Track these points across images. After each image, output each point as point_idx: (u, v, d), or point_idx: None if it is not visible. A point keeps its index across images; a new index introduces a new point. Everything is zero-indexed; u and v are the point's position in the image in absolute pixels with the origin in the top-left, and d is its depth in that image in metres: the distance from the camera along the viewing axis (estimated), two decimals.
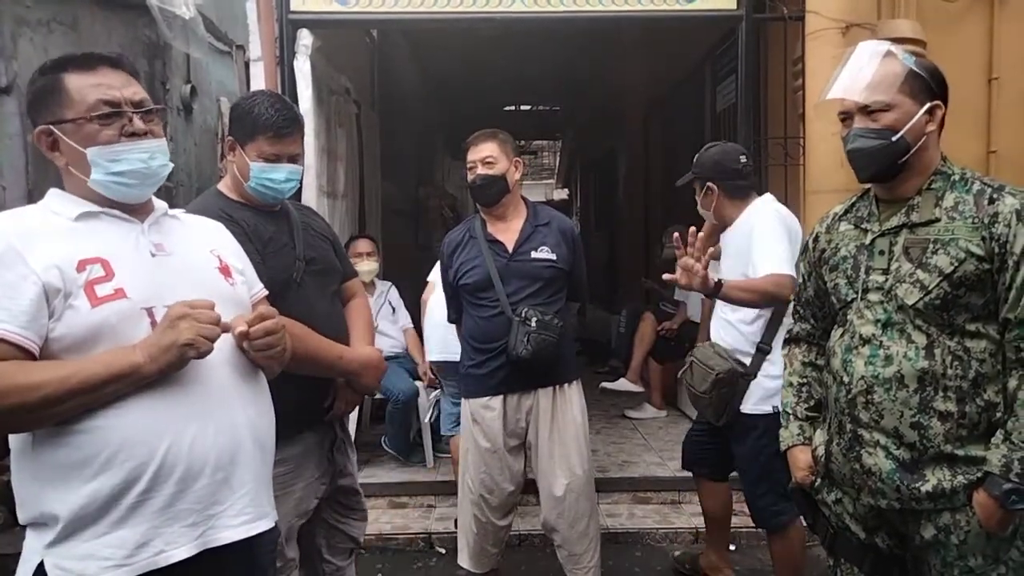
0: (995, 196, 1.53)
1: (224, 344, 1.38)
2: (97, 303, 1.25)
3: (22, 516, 1.28)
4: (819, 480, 1.76)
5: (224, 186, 2.00)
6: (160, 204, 1.47)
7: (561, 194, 13.15)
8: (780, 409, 1.88)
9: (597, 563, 2.71)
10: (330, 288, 2.06)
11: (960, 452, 1.52)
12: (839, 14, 3.58)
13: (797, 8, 3.71)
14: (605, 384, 5.36)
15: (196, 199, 2.06)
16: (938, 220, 1.56)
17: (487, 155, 2.62)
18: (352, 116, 4.79)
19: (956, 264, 1.51)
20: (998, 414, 1.52)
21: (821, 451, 1.74)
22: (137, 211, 1.40)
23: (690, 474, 3.11)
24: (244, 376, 1.41)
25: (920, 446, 1.54)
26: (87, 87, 1.34)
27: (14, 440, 1.28)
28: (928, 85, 1.59)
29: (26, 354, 1.21)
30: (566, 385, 2.67)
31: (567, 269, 2.67)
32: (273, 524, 1.46)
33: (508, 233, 2.66)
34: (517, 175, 2.69)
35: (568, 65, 7.35)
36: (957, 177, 1.60)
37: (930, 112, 1.59)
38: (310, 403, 1.97)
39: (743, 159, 2.75)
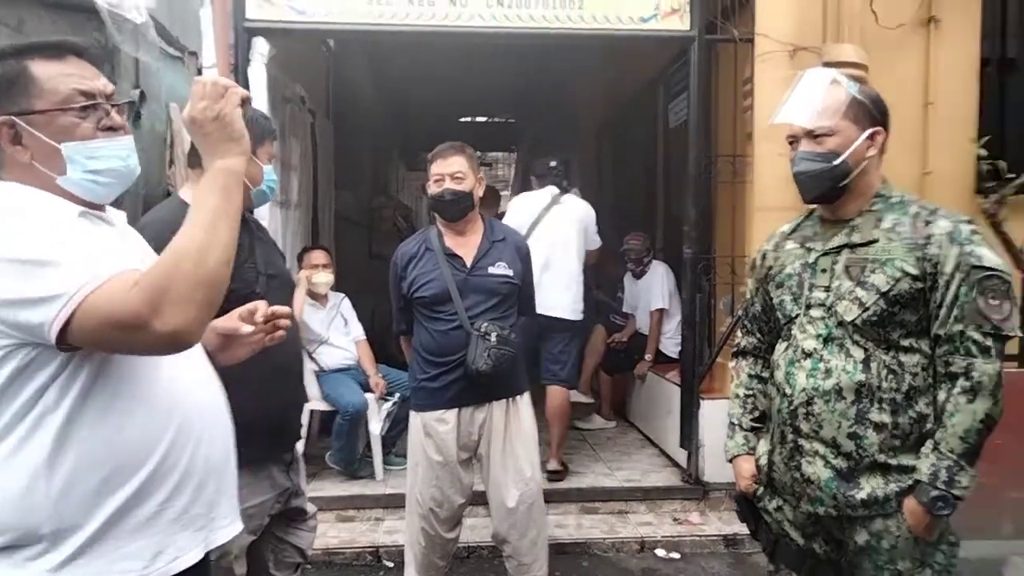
0: (929, 219, 1.61)
1: (200, 354, 1.37)
2: None
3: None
4: (762, 489, 1.82)
5: (189, 195, 1.95)
6: (115, 211, 1.39)
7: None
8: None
9: (545, 572, 2.74)
10: (288, 302, 2.04)
11: (893, 461, 1.60)
12: (787, 37, 3.72)
13: (747, 30, 3.83)
14: None
15: (156, 208, 2.01)
16: (876, 241, 1.63)
17: (457, 170, 2.61)
18: (307, 125, 4.76)
19: (892, 283, 1.58)
20: (928, 425, 1.59)
21: (764, 460, 1.80)
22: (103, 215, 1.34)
23: (636, 484, 3.28)
24: (216, 383, 1.41)
25: (856, 455, 1.61)
26: (59, 76, 1.24)
27: None
28: (870, 112, 1.67)
29: None
30: (518, 397, 2.69)
31: (520, 284, 2.70)
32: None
33: (467, 248, 2.66)
34: (480, 191, 2.70)
35: (524, 79, 7.42)
36: (896, 200, 1.68)
37: (871, 138, 1.66)
38: (280, 430, 1.95)
39: (552, 163, 4.36)
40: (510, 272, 2.65)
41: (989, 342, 1.54)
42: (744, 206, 3.95)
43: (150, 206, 2.33)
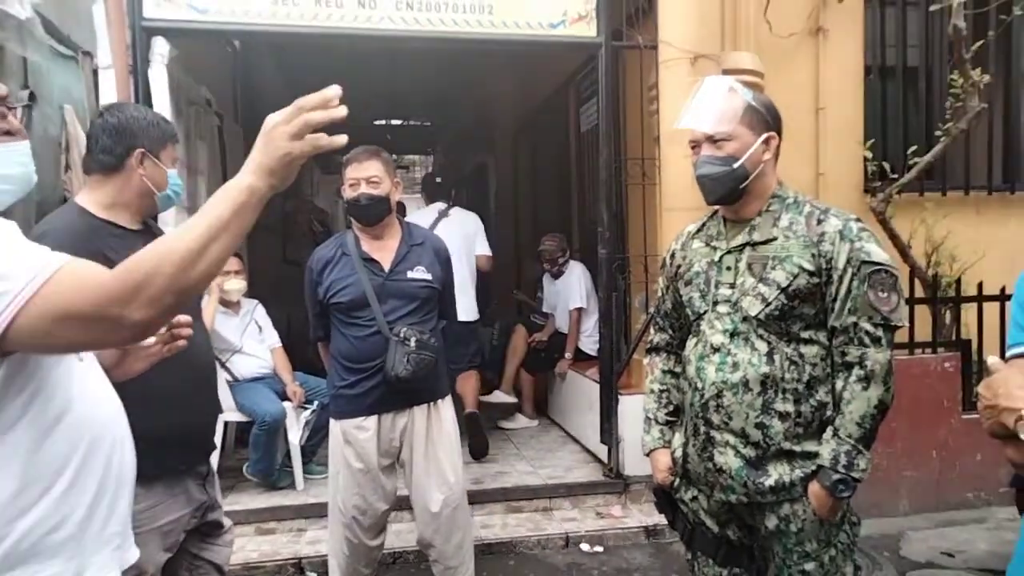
0: (822, 218, 1.72)
1: (96, 366, 1.33)
2: None
3: None
4: (678, 480, 1.90)
5: (89, 202, 1.84)
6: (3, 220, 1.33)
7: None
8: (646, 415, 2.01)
9: (472, 574, 2.75)
10: (196, 311, 1.98)
11: (797, 448, 1.69)
12: (688, 45, 3.87)
13: (651, 38, 3.96)
14: (480, 397, 5.42)
15: (52, 216, 1.90)
16: (775, 239, 1.72)
17: (373, 174, 2.58)
18: (213, 128, 4.60)
19: (791, 278, 1.67)
20: (828, 412, 1.70)
21: (679, 453, 1.87)
22: None
23: (560, 481, 3.33)
24: (114, 396, 1.36)
25: (764, 444, 1.70)
26: None
27: None
28: (764, 118, 1.77)
29: None
30: (439, 402, 2.70)
31: (440, 288, 2.70)
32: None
33: (384, 252, 2.64)
34: (397, 196, 2.69)
35: (439, 82, 7.41)
36: (791, 200, 1.78)
37: (766, 142, 1.76)
38: (194, 442, 1.90)
39: (439, 180, 5.39)
40: (429, 276, 2.65)
41: (880, 332, 1.65)
42: (653, 206, 4.08)
43: (44, 213, 2.21)
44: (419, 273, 2.63)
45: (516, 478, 4.20)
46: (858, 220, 1.73)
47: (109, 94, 3.38)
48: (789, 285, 1.67)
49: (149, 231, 1.92)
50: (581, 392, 4.83)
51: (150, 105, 3.33)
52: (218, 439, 3.41)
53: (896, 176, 4.02)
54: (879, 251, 1.68)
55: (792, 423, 1.68)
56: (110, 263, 1.33)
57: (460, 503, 2.71)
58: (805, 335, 1.70)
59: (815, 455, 1.68)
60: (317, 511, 3.62)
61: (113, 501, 1.24)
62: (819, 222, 1.71)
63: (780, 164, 1.84)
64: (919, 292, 4.05)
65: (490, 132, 8.76)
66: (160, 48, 3.46)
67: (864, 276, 1.65)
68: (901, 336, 3.97)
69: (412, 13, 3.68)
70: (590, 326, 5.13)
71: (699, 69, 3.79)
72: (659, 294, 2.03)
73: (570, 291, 5.25)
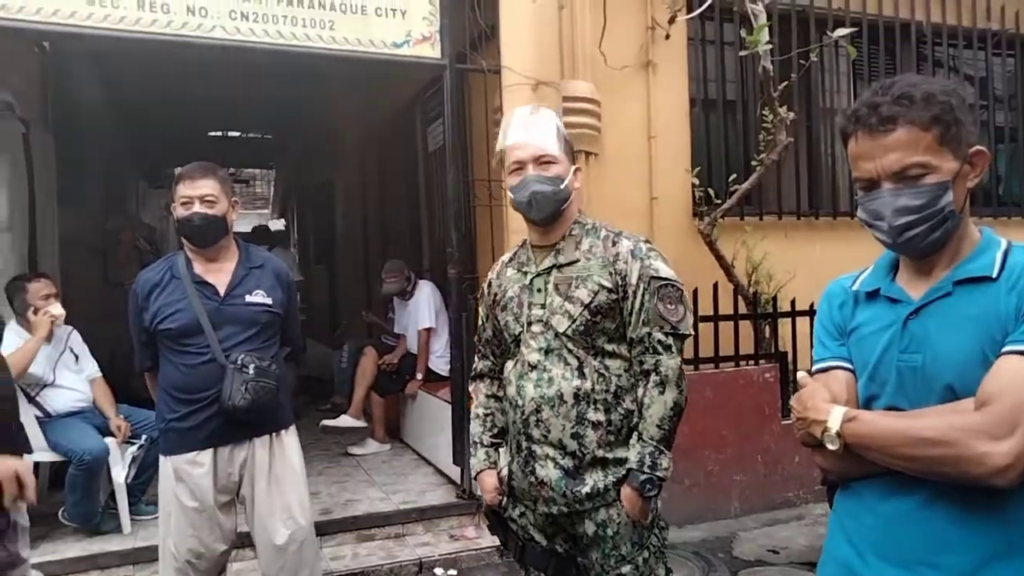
0: (616, 240, 1.87)
1: None
2: None
3: None
4: (505, 499, 1.95)
5: None
6: None
7: (276, 224, 12.69)
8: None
9: None
10: None
11: (609, 455, 1.81)
12: (529, 71, 3.98)
13: (495, 62, 4.05)
14: (326, 422, 5.22)
15: None
16: (578, 261, 1.85)
17: (207, 193, 2.44)
18: (17, 136, 4.16)
19: (593, 296, 1.80)
20: (635, 419, 1.82)
21: (505, 471, 1.94)
22: None
23: (413, 505, 3.32)
24: None
25: (580, 454, 1.79)
26: None
27: None
28: (572, 149, 1.92)
29: None
30: (283, 432, 2.57)
31: (282, 314, 2.58)
32: None
33: (220, 275, 2.50)
34: (234, 216, 2.56)
35: (279, 94, 7.15)
36: (590, 226, 1.92)
37: (575, 172, 1.90)
38: None
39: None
40: (269, 300, 2.53)
41: (670, 340, 1.80)
42: (502, 227, 4.15)
43: None
44: (258, 297, 2.51)
45: (367, 505, 4.10)
46: (647, 241, 1.89)
47: None
48: (591, 302, 1.79)
49: None
50: (433, 413, 4.80)
51: None
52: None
53: (720, 202, 4.36)
54: (666, 267, 1.84)
55: (604, 431, 1.79)
56: None
57: (307, 538, 2.59)
58: (609, 348, 1.82)
59: (625, 460, 1.79)
60: (148, 555, 3.33)
61: None
62: (614, 243, 1.86)
63: (618, 188, 1.96)
64: (742, 308, 4.40)
65: (336, 148, 8.57)
66: None
67: (654, 290, 1.80)
68: (728, 349, 4.30)
69: (247, 24, 3.52)
70: (441, 346, 5.12)
71: (540, 95, 3.91)
72: (480, 323, 2.09)
73: (419, 311, 5.22)
